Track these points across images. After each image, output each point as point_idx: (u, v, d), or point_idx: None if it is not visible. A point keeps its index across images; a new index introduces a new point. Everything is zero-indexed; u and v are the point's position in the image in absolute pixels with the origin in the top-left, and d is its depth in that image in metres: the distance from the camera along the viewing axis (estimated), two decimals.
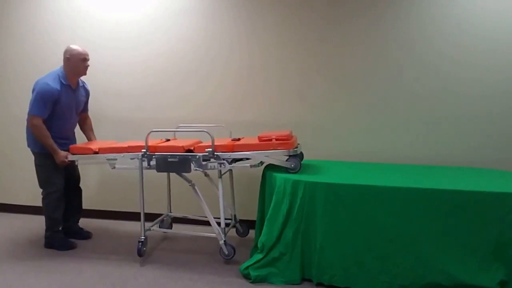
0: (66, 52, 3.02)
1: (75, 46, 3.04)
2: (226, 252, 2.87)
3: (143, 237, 2.96)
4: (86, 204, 3.87)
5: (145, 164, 2.91)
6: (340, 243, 2.57)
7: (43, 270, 2.78)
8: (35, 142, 3.06)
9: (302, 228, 2.62)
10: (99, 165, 3.83)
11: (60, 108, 3.01)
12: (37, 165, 3.12)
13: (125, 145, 3.01)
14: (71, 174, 3.29)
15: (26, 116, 3.84)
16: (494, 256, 2.48)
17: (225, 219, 2.99)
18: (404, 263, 2.52)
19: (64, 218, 3.26)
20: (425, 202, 2.50)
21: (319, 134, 3.52)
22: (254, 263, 2.69)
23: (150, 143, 2.92)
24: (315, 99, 3.54)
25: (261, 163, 2.94)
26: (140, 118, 3.73)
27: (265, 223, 2.70)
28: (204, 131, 2.81)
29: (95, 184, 3.87)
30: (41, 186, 3.15)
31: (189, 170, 2.83)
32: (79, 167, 3.39)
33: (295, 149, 2.77)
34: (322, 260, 2.59)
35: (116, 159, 2.99)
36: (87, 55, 3.07)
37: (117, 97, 3.73)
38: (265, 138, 2.79)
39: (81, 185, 3.85)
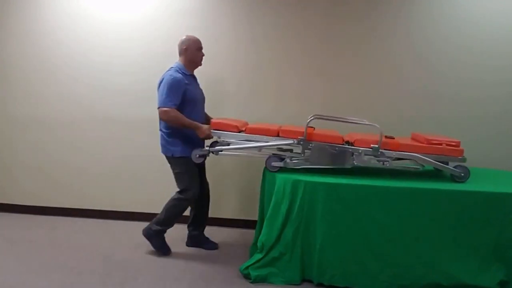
0: (182, 43, 2.94)
1: (190, 36, 2.96)
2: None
3: None
4: (87, 204, 3.90)
5: (298, 150, 2.73)
6: (340, 243, 2.57)
7: (43, 270, 2.78)
8: (173, 146, 2.91)
9: (302, 228, 2.61)
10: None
11: (191, 100, 2.88)
12: (177, 172, 2.98)
13: (275, 127, 2.81)
14: (201, 179, 3.12)
15: (26, 117, 3.87)
16: (494, 256, 2.49)
17: None
18: (404, 263, 2.53)
19: (193, 227, 3.24)
20: (426, 202, 2.50)
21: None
22: (254, 263, 2.69)
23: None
24: (314, 100, 3.54)
25: (423, 166, 2.80)
26: (140, 117, 3.72)
27: (265, 222, 2.70)
28: (374, 125, 2.67)
29: (95, 183, 3.87)
30: (180, 192, 3.00)
31: (347, 165, 2.67)
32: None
33: (464, 157, 2.68)
34: (322, 260, 2.59)
35: (265, 141, 2.76)
36: (201, 43, 2.99)
37: (117, 96, 3.73)
38: (435, 142, 2.69)
39: (78, 183, 3.87)
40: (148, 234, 3.08)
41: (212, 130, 2.85)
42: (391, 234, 2.53)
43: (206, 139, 2.90)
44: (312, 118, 2.72)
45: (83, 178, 3.87)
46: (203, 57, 3.02)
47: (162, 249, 3.08)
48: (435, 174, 2.91)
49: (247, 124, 3.00)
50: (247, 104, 3.61)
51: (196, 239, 3.25)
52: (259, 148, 2.79)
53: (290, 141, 2.71)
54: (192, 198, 3.00)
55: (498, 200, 2.47)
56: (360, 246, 2.56)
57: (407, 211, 2.51)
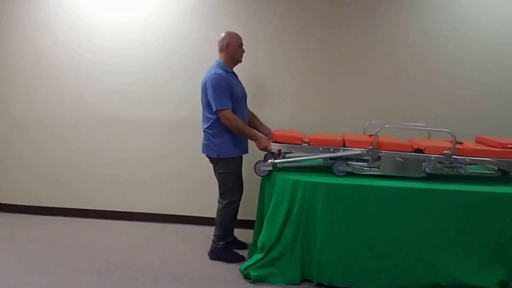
0: (223, 39, 2.86)
1: (231, 32, 2.89)
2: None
3: None
4: (87, 204, 3.90)
5: (363, 161, 2.69)
6: (340, 243, 2.57)
7: (43, 270, 2.78)
8: (219, 147, 2.84)
9: (302, 228, 2.61)
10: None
11: (236, 98, 2.83)
12: (222, 173, 2.90)
13: (340, 138, 2.78)
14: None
15: (26, 117, 3.87)
16: (494, 256, 2.49)
17: None
18: (404, 263, 2.53)
19: None
20: (425, 202, 2.50)
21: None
22: (254, 263, 2.69)
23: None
24: (314, 101, 3.54)
25: (499, 170, 2.72)
26: (140, 117, 3.72)
27: (265, 223, 2.70)
28: (446, 131, 2.62)
29: (95, 183, 3.87)
30: (223, 195, 2.96)
31: (419, 173, 2.62)
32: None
33: None
34: (322, 260, 2.59)
35: (332, 153, 2.70)
36: (241, 39, 2.92)
37: (117, 96, 3.73)
38: (510, 146, 2.62)
39: (78, 183, 3.87)
40: (216, 255, 3.01)
41: (273, 142, 2.80)
42: (391, 234, 2.53)
43: (264, 151, 2.84)
44: (380, 128, 2.65)
45: (83, 178, 3.87)
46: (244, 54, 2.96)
47: (236, 259, 3.00)
48: (506, 179, 2.83)
49: (304, 134, 2.97)
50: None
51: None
52: (326, 159, 2.76)
53: (359, 151, 2.67)
54: (238, 198, 2.98)
55: (498, 200, 2.46)
56: (360, 246, 2.55)
57: (407, 211, 2.51)
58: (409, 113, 3.45)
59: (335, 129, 3.35)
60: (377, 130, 2.67)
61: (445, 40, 3.38)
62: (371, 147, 2.65)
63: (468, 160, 2.61)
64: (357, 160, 2.75)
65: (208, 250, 3.07)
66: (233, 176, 2.92)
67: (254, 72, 3.57)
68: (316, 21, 3.47)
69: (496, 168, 2.71)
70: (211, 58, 3.60)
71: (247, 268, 2.71)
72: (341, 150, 2.70)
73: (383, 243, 2.54)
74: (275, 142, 2.81)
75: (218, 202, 3.01)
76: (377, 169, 2.68)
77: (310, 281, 2.68)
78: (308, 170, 2.87)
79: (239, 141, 2.89)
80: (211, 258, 3.03)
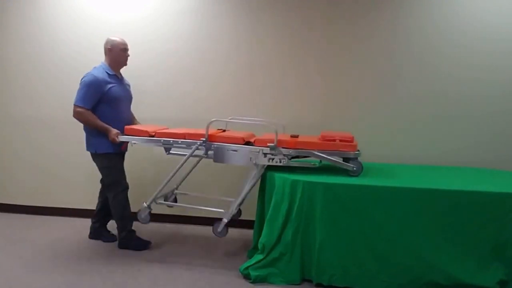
0: (107, 43, 3.04)
1: (115, 37, 3.05)
2: (219, 230, 2.89)
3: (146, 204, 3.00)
4: (87, 204, 3.90)
5: (201, 152, 2.89)
6: (340, 243, 2.57)
7: (44, 270, 2.79)
8: (97, 143, 3.01)
9: (302, 228, 2.62)
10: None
11: (114, 99, 2.99)
12: (104, 168, 3.07)
13: (183, 131, 2.98)
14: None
15: (26, 117, 3.87)
16: (493, 255, 2.49)
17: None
18: (403, 262, 2.53)
19: (95, 219, 3.34)
20: (425, 202, 2.50)
21: (317, 134, 3.53)
22: (254, 263, 2.70)
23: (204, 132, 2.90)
24: (313, 100, 3.55)
25: (320, 162, 2.90)
26: (139, 117, 3.72)
27: (265, 223, 2.70)
28: (272, 126, 2.83)
29: (95, 183, 3.87)
30: (108, 188, 3.12)
31: (248, 163, 2.82)
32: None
33: (358, 152, 2.74)
34: (322, 260, 2.59)
35: (171, 145, 2.95)
36: (127, 45, 3.09)
37: None
38: (328, 138, 2.78)
39: (78, 183, 3.87)
40: (123, 244, 3.17)
41: (122, 136, 2.97)
42: (390, 234, 2.53)
43: (113, 143, 2.98)
44: (212, 121, 2.87)
45: (83, 178, 3.87)
46: (128, 57, 3.11)
47: (142, 246, 3.17)
48: (336, 169, 2.91)
49: (161, 129, 3.11)
50: (247, 104, 3.61)
51: (97, 232, 3.34)
52: (166, 149, 3.02)
53: (194, 143, 2.87)
54: (125, 187, 3.12)
55: (497, 200, 2.47)
56: (359, 246, 2.56)
57: (406, 211, 2.51)
58: (408, 112, 3.46)
59: (335, 127, 3.36)
60: (209, 123, 2.84)
61: (444, 40, 3.38)
62: (204, 139, 2.84)
63: (291, 152, 2.76)
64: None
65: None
66: (116, 169, 3.08)
67: (254, 71, 3.58)
68: (317, 20, 3.48)
69: (320, 160, 2.86)
70: (212, 57, 3.63)
71: (247, 268, 2.71)
72: (180, 142, 2.90)
73: (382, 242, 2.54)
74: (126, 135, 2.99)
75: (107, 195, 3.14)
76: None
77: (310, 281, 2.69)
78: (308, 169, 2.88)
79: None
80: (120, 248, 3.17)
